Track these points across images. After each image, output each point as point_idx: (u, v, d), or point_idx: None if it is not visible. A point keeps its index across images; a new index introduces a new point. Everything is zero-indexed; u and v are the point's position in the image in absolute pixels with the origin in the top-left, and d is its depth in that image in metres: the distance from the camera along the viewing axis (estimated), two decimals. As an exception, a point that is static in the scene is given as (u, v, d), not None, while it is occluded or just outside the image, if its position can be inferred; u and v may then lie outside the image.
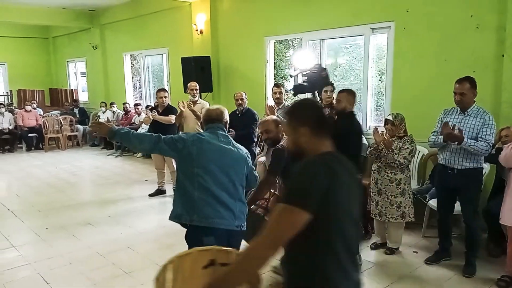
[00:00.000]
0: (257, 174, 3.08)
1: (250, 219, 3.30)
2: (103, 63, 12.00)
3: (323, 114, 1.77)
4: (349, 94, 4.21)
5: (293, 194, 1.58)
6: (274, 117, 3.58)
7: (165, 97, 6.35)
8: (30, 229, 5.19)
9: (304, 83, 5.04)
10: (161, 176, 6.55)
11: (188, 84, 6.38)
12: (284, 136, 3.41)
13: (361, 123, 5.90)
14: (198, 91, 6.31)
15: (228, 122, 3.02)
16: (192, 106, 5.76)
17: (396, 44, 5.45)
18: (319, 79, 4.95)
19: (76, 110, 12.19)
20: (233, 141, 2.87)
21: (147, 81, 10.98)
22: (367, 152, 4.40)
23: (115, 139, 2.77)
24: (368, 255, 4.36)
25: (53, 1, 10.31)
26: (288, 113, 1.79)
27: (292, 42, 13.50)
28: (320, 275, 1.62)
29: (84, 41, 12.50)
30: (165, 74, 10.00)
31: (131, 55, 11.40)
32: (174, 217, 2.70)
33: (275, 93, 5.70)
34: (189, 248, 2.46)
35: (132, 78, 11.86)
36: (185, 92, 6.85)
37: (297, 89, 5.09)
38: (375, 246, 4.48)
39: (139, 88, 11.89)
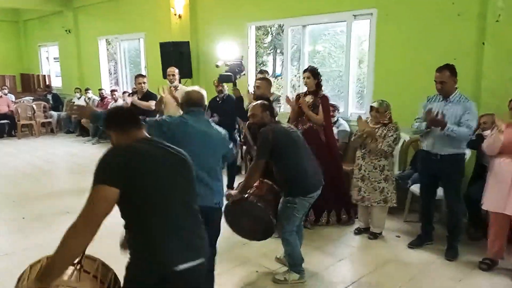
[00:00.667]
0: (233, 149, 3.22)
1: (246, 210, 3.29)
2: (77, 48, 11.65)
3: (125, 117, 2.00)
4: (267, 82, 4.82)
5: (95, 175, 1.74)
6: (263, 102, 3.51)
7: (144, 83, 6.18)
8: (3, 220, 5.01)
9: (229, 73, 5.39)
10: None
11: (168, 70, 6.23)
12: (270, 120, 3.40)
13: (343, 110, 6.03)
14: (177, 77, 6.17)
15: (206, 106, 3.19)
16: (174, 92, 5.63)
17: (378, 31, 5.44)
18: (239, 70, 5.38)
19: (49, 96, 11.80)
20: (212, 123, 2.94)
21: (123, 67, 10.71)
22: (351, 140, 4.41)
23: (99, 123, 2.70)
24: (351, 240, 4.40)
25: (23, -18, 9.91)
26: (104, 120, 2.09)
27: (270, 28, 13.38)
28: (139, 252, 1.89)
29: (56, 25, 12.07)
30: (142, 60, 9.77)
31: (106, 39, 11.07)
32: None
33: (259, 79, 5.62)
34: None
35: (108, 63, 11.55)
36: (164, 78, 6.70)
37: (223, 78, 5.71)
38: (358, 231, 4.51)
39: (115, 73, 11.59)
